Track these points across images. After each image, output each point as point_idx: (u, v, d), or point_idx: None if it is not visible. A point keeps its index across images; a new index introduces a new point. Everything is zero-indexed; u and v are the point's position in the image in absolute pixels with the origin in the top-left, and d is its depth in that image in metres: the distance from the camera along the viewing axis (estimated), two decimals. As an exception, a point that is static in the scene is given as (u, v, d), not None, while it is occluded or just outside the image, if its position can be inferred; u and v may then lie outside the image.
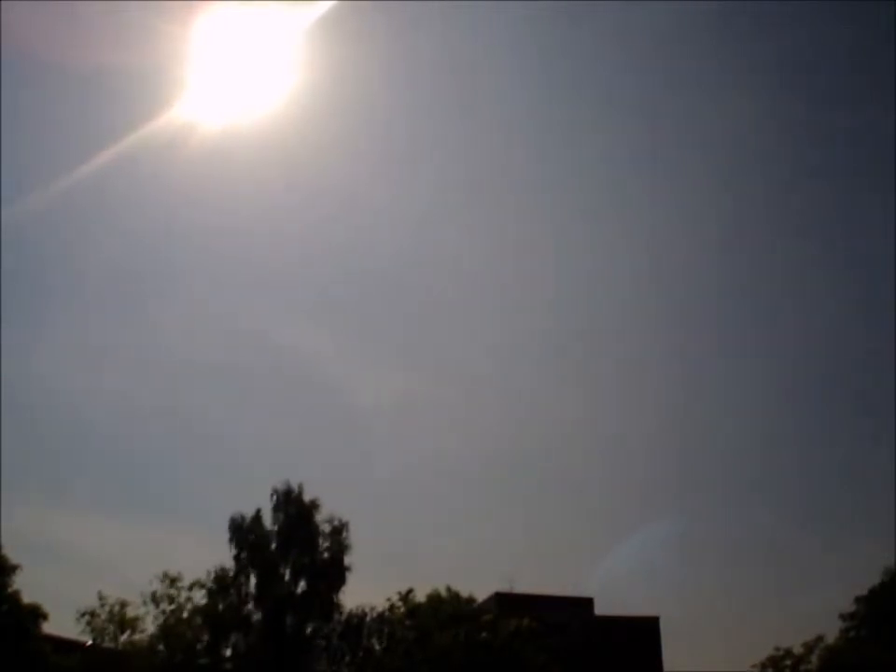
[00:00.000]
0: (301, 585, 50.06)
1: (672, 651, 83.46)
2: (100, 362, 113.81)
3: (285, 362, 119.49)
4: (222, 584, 49.26)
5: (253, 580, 49.84)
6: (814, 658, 59.35)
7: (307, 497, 51.60)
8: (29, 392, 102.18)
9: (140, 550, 79.83)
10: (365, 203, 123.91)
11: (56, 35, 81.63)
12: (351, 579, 51.26)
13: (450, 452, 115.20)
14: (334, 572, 50.37)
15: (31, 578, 46.71)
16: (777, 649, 60.75)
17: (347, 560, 50.91)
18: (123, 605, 48.81)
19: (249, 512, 50.92)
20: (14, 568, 44.95)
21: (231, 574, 49.46)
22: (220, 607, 48.55)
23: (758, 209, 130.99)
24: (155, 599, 48.35)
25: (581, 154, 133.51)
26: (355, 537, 51.94)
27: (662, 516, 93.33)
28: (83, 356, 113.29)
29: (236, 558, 49.75)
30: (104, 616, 48.43)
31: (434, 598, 51.80)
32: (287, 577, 50.16)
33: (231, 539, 49.96)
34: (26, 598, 44.78)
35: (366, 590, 61.23)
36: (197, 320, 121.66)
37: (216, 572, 49.38)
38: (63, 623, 48.57)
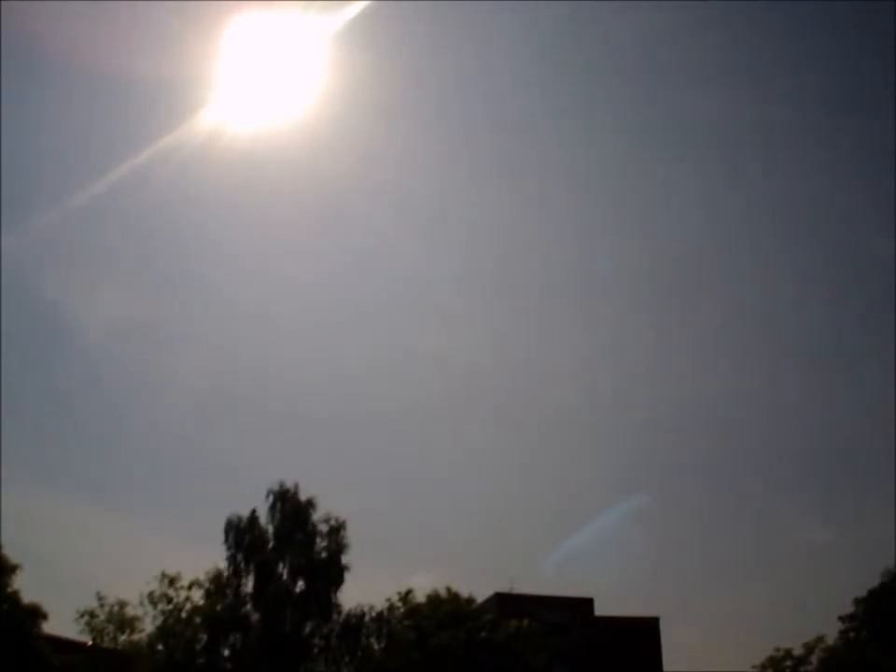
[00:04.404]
0: (300, 585, 50.00)
1: (672, 652, 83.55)
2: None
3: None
4: (219, 585, 49.15)
5: (251, 580, 49.80)
6: (814, 659, 59.25)
7: (303, 496, 51.51)
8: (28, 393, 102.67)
9: (138, 549, 79.91)
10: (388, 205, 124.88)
11: (82, 41, 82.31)
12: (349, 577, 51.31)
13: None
14: (332, 571, 50.23)
15: (31, 578, 46.74)
16: (778, 649, 60.67)
17: (345, 559, 50.90)
18: (122, 605, 48.69)
19: (244, 513, 50.91)
20: (14, 568, 44.89)
21: (226, 575, 49.36)
22: (218, 607, 48.42)
23: (757, 209, 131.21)
24: (153, 600, 48.21)
25: (603, 154, 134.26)
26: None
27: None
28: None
29: (231, 559, 49.67)
30: (103, 616, 48.32)
31: (434, 598, 51.75)
32: (284, 577, 50.11)
33: (225, 540, 49.89)
34: (26, 598, 44.78)
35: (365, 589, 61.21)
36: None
37: (212, 573, 49.34)
38: (63, 623, 48.61)
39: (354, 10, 65.74)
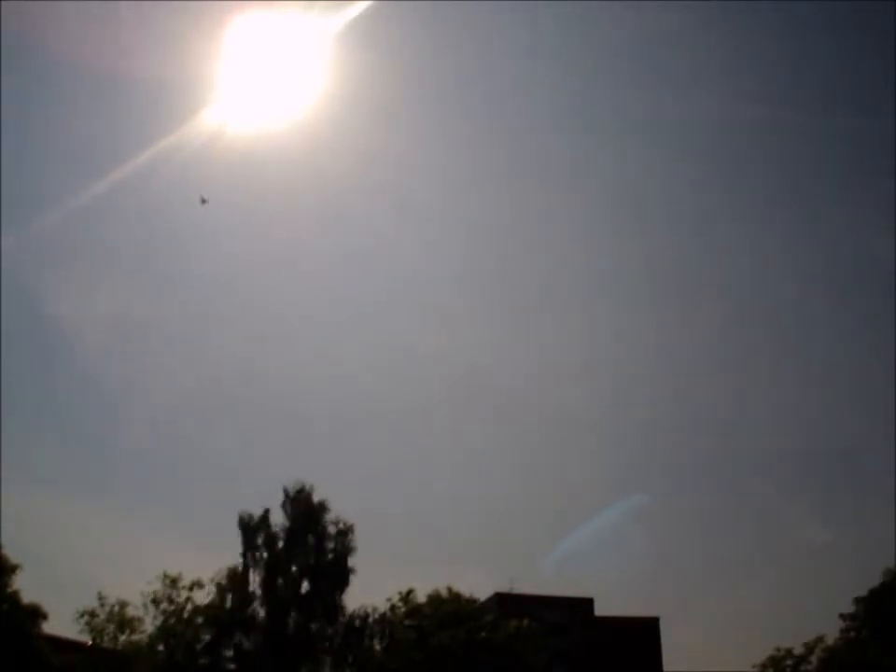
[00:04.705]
0: (305, 586, 50.00)
1: (672, 652, 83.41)
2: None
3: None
4: (234, 582, 49.11)
5: (258, 579, 49.78)
6: (814, 658, 59.17)
7: (316, 498, 51.58)
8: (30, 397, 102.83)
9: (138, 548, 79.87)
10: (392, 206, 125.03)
11: (84, 42, 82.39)
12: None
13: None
14: (338, 574, 50.19)
15: (31, 578, 46.69)
16: (778, 649, 60.56)
17: (351, 562, 50.96)
18: (123, 605, 48.59)
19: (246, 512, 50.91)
20: (14, 568, 44.82)
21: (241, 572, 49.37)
22: (227, 605, 48.41)
23: (757, 208, 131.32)
24: (155, 600, 48.13)
25: (603, 154, 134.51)
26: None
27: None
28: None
29: (244, 556, 49.72)
30: (103, 616, 48.21)
31: (434, 598, 51.70)
32: (292, 577, 50.03)
33: (242, 538, 49.96)
34: (26, 598, 44.72)
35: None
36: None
37: (228, 570, 49.28)
38: (63, 623, 48.55)
39: (355, 11, 65.51)
